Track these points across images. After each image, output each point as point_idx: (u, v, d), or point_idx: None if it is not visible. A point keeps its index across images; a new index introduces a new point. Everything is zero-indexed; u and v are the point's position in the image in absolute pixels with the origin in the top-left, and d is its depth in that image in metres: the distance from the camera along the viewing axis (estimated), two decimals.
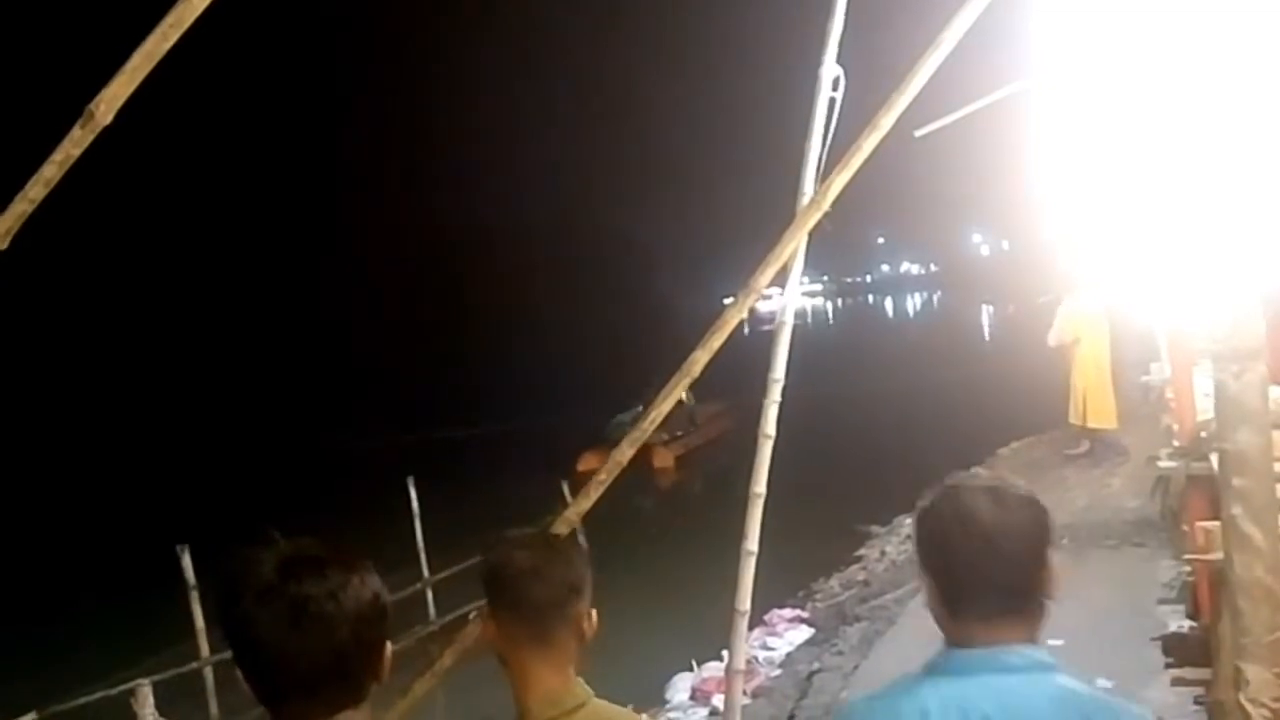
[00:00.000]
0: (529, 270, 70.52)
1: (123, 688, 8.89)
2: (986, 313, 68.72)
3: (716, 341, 4.04)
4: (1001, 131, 8.64)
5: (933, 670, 1.99)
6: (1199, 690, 5.54)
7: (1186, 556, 5.65)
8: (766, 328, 4.55)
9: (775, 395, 4.27)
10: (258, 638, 1.67)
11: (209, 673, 10.41)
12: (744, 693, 6.61)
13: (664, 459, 22.71)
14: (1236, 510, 2.77)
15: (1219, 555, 3.43)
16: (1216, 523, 3.74)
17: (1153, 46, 3.53)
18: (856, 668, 8.77)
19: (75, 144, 2.60)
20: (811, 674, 9.23)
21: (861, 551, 13.00)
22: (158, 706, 8.65)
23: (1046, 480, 13.30)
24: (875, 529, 13.45)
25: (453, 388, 36.11)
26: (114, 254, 55.69)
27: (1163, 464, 5.90)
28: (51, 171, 2.60)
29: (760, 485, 4.23)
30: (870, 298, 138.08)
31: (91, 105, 2.60)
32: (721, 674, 7.82)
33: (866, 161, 4.17)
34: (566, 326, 54.19)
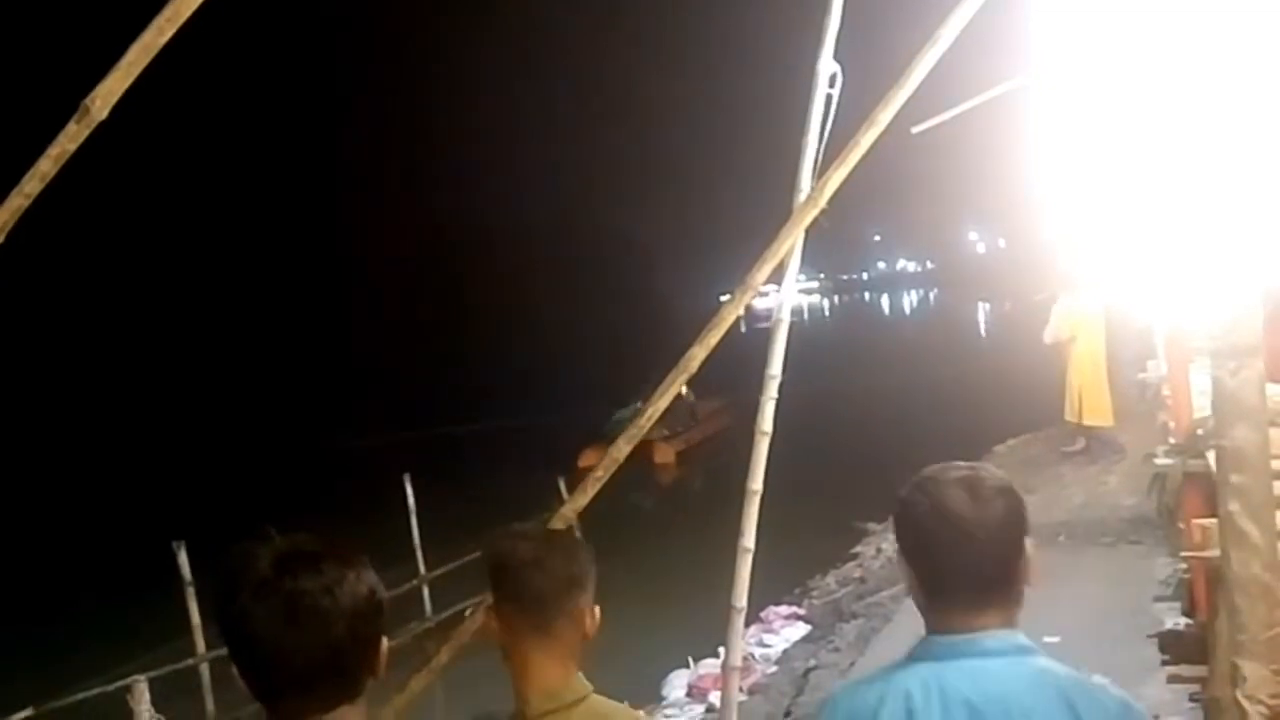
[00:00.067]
0: (529, 270, 70.62)
1: (119, 684, 8.87)
2: (983, 310, 68.78)
3: (714, 338, 4.04)
4: (999, 129, 8.65)
5: (914, 657, 2.03)
6: (1195, 687, 5.54)
7: (1183, 554, 5.66)
8: (763, 325, 4.56)
9: (772, 392, 4.28)
10: (253, 633, 1.67)
11: (205, 669, 10.41)
12: (740, 689, 6.62)
13: (665, 455, 22.72)
14: (1234, 507, 2.77)
15: (1216, 552, 3.43)
16: (1213, 520, 3.74)
17: (1150, 43, 3.53)
18: (853, 664, 8.77)
19: (71, 139, 2.59)
20: (808, 671, 9.24)
21: (858, 548, 13.00)
22: (154, 703, 8.64)
23: (1043, 477, 13.31)
24: (872, 526, 13.45)
25: (452, 387, 36.13)
26: (114, 252, 55.70)
27: (1159, 461, 5.90)
28: (47, 166, 2.59)
29: (757, 482, 4.23)
30: (867, 295, 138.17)
31: (87, 100, 2.59)
32: (718, 670, 7.82)
33: (863, 158, 4.17)
34: (566, 326, 54.24)
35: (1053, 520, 11.19)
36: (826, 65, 4.33)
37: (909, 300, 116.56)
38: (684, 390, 19.69)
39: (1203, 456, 5.05)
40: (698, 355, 4.04)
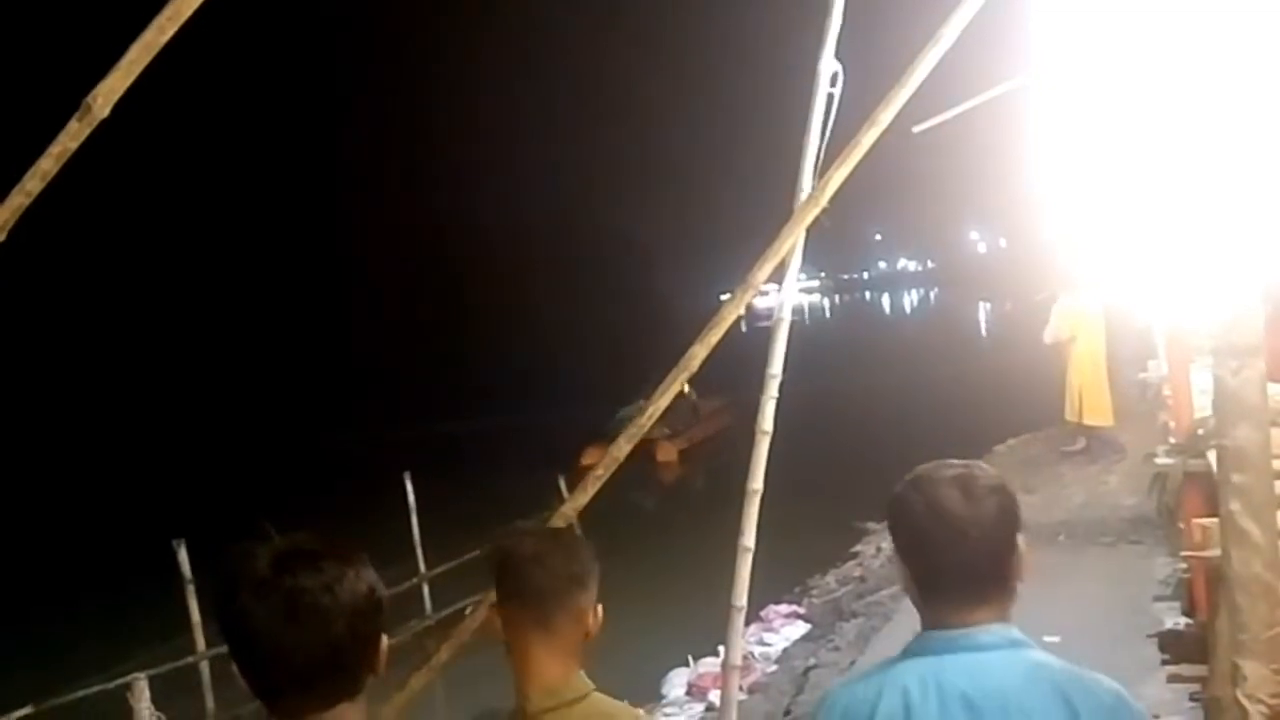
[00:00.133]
0: (529, 270, 70.60)
1: (119, 682, 8.87)
2: (983, 310, 68.76)
3: (714, 336, 4.04)
4: (1000, 128, 8.66)
5: (910, 652, 2.06)
6: (1195, 687, 5.54)
7: (1183, 553, 5.66)
8: (764, 324, 4.56)
9: (772, 391, 4.28)
10: (253, 631, 1.67)
11: (205, 667, 10.42)
12: (740, 688, 6.62)
13: (667, 453, 22.76)
14: (1235, 506, 2.77)
15: (1216, 552, 3.43)
16: (1213, 519, 3.74)
17: (1151, 43, 3.53)
18: (853, 663, 8.77)
19: (72, 137, 2.60)
20: (808, 670, 9.24)
21: (858, 548, 12.99)
22: (154, 701, 8.64)
23: (1043, 477, 13.31)
24: (871, 525, 13.43)
25: (452, 386, 36.15)
26: (114, 250, 55.70)
27: (1160, 461, 5.91)
28: (49, 164, 2.59)
29: (757, 481, 4.24)
30: (867, 294, 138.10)
31: (89, 98, 2.59)
32: (718, 669, 7.82)
33: (865, 157, 4.17)
34: (566, 326, 54.22)
35: (1053, 520, 11.19)
36: (828, 64, 4.33)
37: (910, 300, 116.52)
38: (686, 389, 19.73)
39: (1203, 456, 5.06)
40: (698, 354, 4.04)
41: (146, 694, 8.58)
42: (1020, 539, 2.05)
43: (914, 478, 2.07)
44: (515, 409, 29.15)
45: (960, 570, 2.00)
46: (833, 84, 4.33)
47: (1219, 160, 2.93)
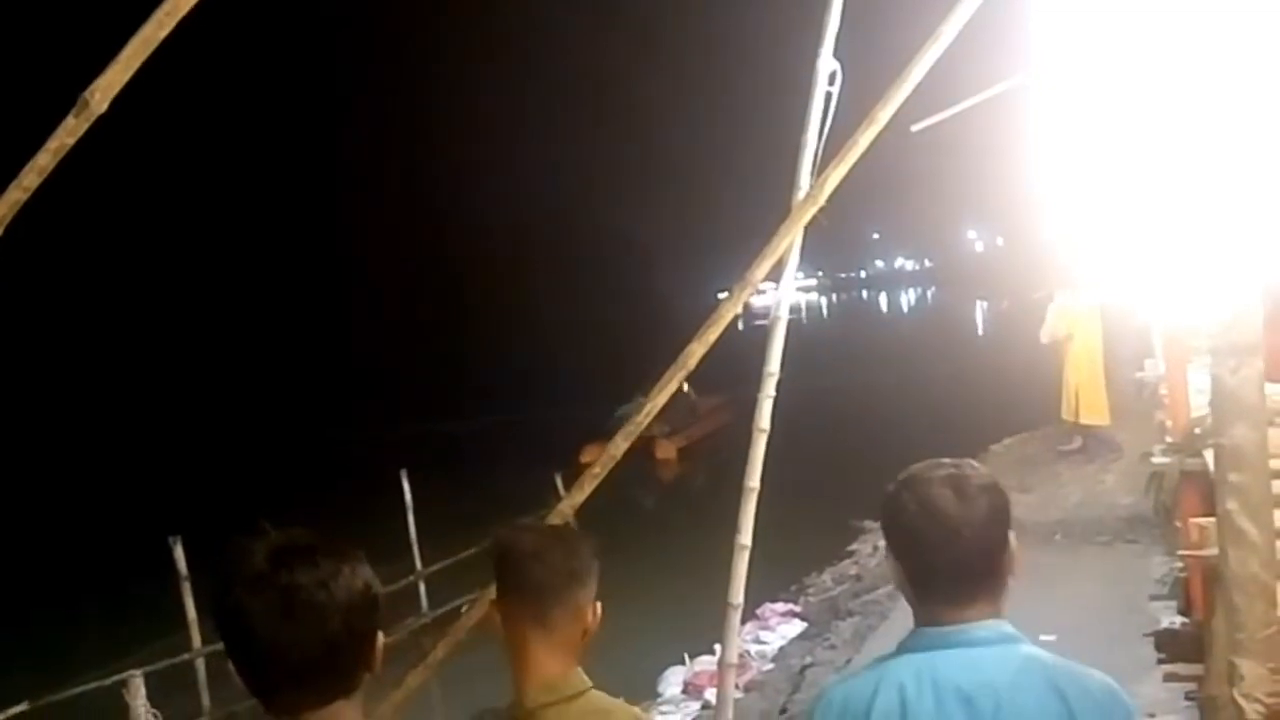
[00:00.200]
0: (529, 270, 70.69)
1: (115, 679, 8.88)
2: (980, 309, 68.74)
3: (712, 335, 4.04)
4: (998, 127, 8.65)
5: (905, 648, 2.09)
6: (1191, 686, 5.55)
7: (1180, 552, 5.66)
8: (761, 322, 4.56)
9: (770, 390, 4.27)
10: (249, 628, 1.66)
11: (201, 664, 10.42)
12: (736, 686, 6.62)
13: (666, 451, 22.80)
14: (1232, 505, 2.77)
15: (1213, 551, 3.43)
16: (1210, 519, 3.74)
17: (1149, 42, 3.53)
18: (849, 661, 8.77)
19: (70, 132, 2.59)
20: (804, 668, 9.24)
21: (854, 546, 13.00)
22: (150, 698, 8.64)
23: (1039, 476, 13.31)
24: (868, 524, 13.41)
25: (451, 386, 36.15)
26: (114, 248, 55.71)
27: (1156, 460, 5.90)
28: (46, 160, 2.58)
29: (754, 479, 4.24)
30: (865, 293, 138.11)
31: (86, 93, 2.59)
32: (714, 667, 7.81)
33: (862, 156, 4.17)
34: (565, 325, 54.27)
35: (1049, 519, 11.20)
36: (826, 63, 4.33)
37: (907, 298, 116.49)
38: (685, 387, 19.71)
39: (1200, 455, 5.06)
40: (696, 352, 4.04)
41: (142, 691, 8.57)
42: (1011, 536, 2.08)
43: (906, 478, 2.10)
44: (514, 408, 29.16)
45: (953, 568, 2.02)
46: (831, 83, 4.32)
47: (1217, 159, 2.93)
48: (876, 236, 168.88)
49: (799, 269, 4.54)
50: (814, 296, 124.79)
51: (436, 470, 16.77)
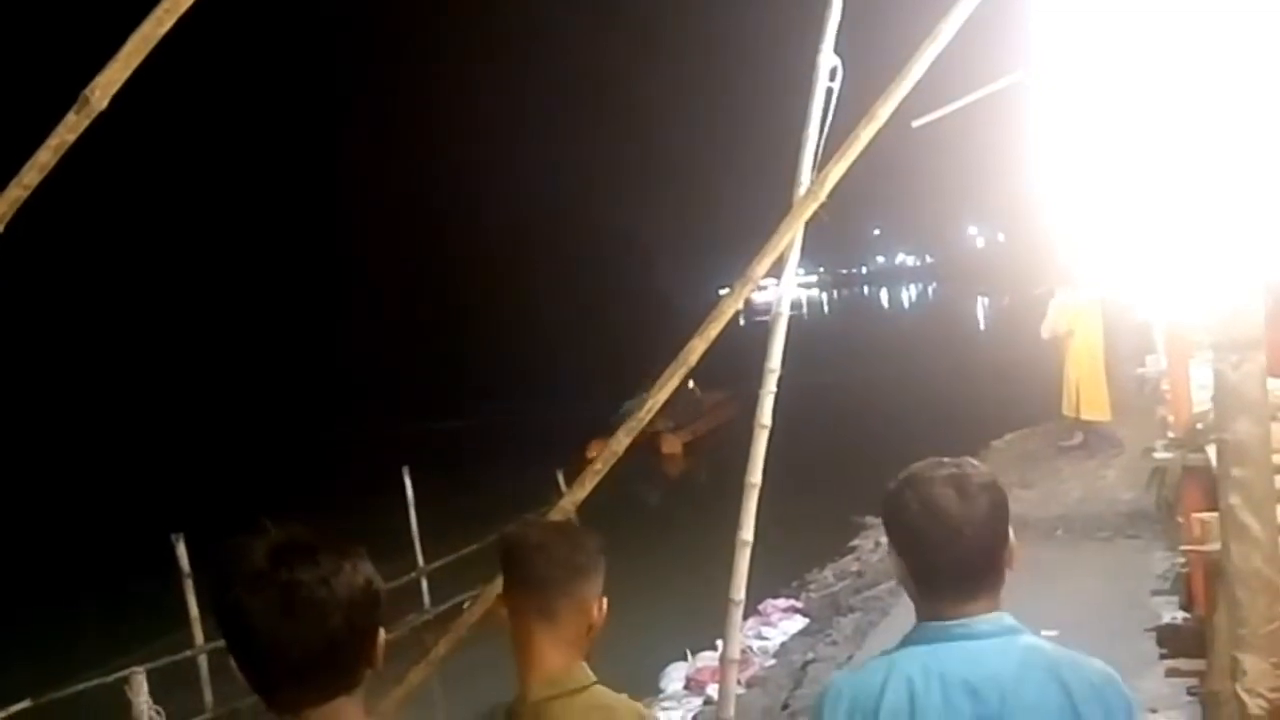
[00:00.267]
0: (529, 269, 70.71)
1: (117, 675, 8.88)
2: (981, 305, 68.73)
3: (713, 331, 4.04)
4: (999, 123, 8.65)
5: (909, 641, 2.13)
6: (1193, 681, 5.55)
7: (1182, 548, 5.66)
8: (762, 318, 4.55)
9: (771, 385, 4.28)
10: (250, 625, 1.66)
11: (203, 661, 10.43)
12: (738, 682, 6.62)
13: (672, 445, 22.88)
14: (1234, 500, 2.77)
15: (1215, 546, 3.43)
16: (1212, 514, 3.74)
17: (1149, 38, 3.52)
18: (850, 658, 8.77)
19: (70, 129, 2.59)
20: (805, 664, 9.25)
21: (856, 542, 12.99)
22: (152, 694, 8.64)
23: (1041, 472, 13.31)
24: (869, 520, 13.41)
25: (452, 386, 36.15)
26: (114, 246, 55.73)
27: (1158, 455, 5.90)
28: (46, 157, 2.58)
29: (755, 475, 4.24)
30: (866, 289, 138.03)
31: (87, 90, 2.58)
32: (716, 663, 7.81)
33: (863, 152, 4.17)
34: (566, 325, 54.28)
35: (1050, 515, 11.20)
36: (827, 59, 4.33)
37: (908, 294, 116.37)
38: (690, 384, 19.74)
39: (1202, 450, 5.06)
40: (698, 348, 4.04)
41: (145, 688, 8.58)
42: (1010, 531, 2.12)
43: (908, 476, 2.14)
44: (515, 406, 29.17)
45: (956, 566, 2.07)
46: (832, 79, 4.32)
47: (1218, 154, 2.92)
48: (877, 232, 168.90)
49: (800, 265, 4.54)
50: (815, 292, 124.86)
51: (437, 468, 16.78)
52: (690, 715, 9.05)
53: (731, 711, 4.43)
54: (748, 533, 4.23)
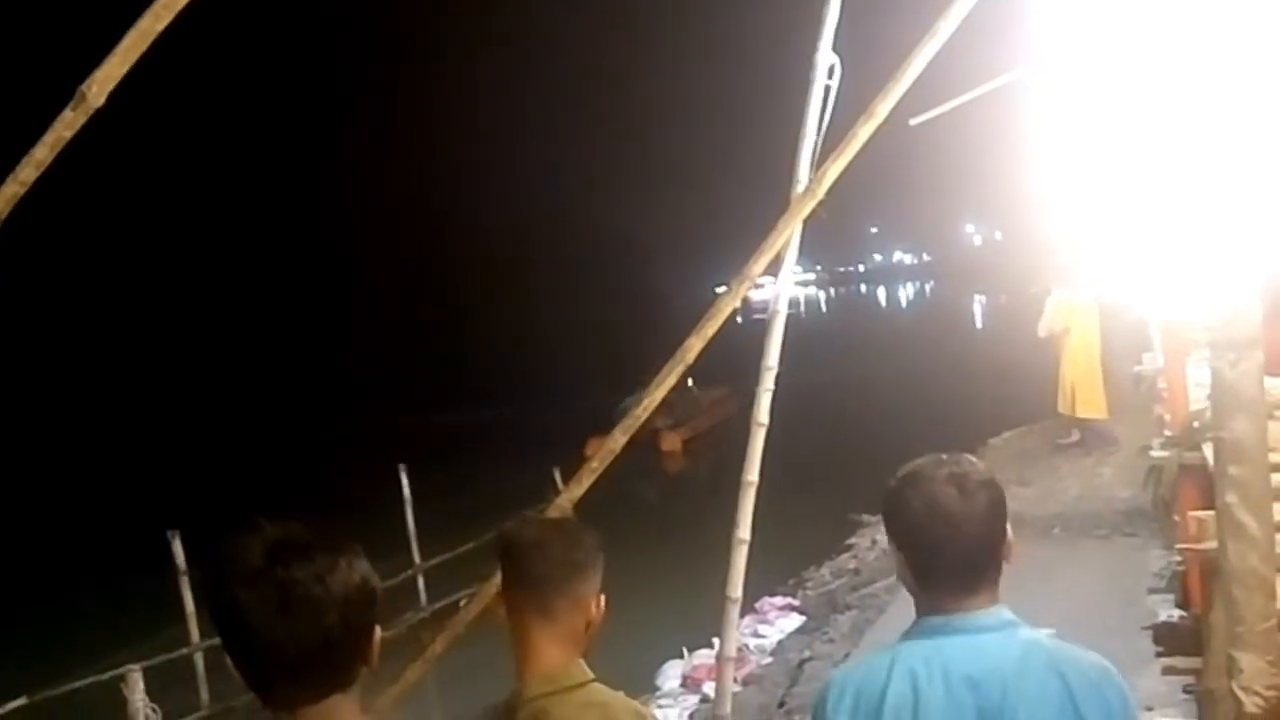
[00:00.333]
0: (528, 269, 70.76)
1: (113, 673, 8.87)
2: (979, 303, 68.74)
3: (711, 328, 4.04)
4: (997, 122, 8.64)
5: (910, 635, 2.17)
6: (1189, 679, 5.55)
7: (1179, 546, 5.66)
8: (759, 316, 4.55)
9: (768, 383, 4.28)
10: (245, 623, 1.66)
11: (199, 658, 10.42)
12: (735, 680, 6.62)
13: (671, 443, 22.89)
14: (1231, 499, 2.77)
15: (1212, 545, 3.43)
16: (1209, 512, 3.74)
17: (1148, 36, 3.52)
18: (847, 655, 8.77)
19: (67, 126, 2.58)
20: (802, 662, 9.24)
21: (852, 540, 12.98)
22: (148, 692, 8.63)
23: (1038, 470, 13.32)
24: (866, 518, 13.42)
25: (451, 385, 36.13)
26: (115, 244, 55.72)
27: (1155, 453, 5.90)
28: (43, 153, 2.58)
29: (752, 473, 4.24)
30: (863, 287, 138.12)
31: (84, 86, 2.58)
32: (712, 661, 7.80)
33: (861, 150, 4.16)
34: (565, 324, 54.30)
35: (1047, 513, 11.20)
36: (825, 57, 4.32)
37: (905, 292, 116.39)
38: (689, 382, 19.74)
39: (1199, 449, 5.06)
40: (695, 345, 4.04)
41: (141, 685, 8.57)
42: (1008, 527, 2.16)
43: (909, 474, 2.17)
44: (513, 405, 29.18)
45: (956, 562, 2.11)
46: (830, 76, 4.32)
47: (1217, 153, 2.92)
48: (875, 230, 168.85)
49: (797, 263, 4.54)
50: (812, 290, 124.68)
51: (435, 465, 16.77)
52: (687, 713, 9.04)
53: (728, 709, 4.43)
54: (745, 530, 4.23)
